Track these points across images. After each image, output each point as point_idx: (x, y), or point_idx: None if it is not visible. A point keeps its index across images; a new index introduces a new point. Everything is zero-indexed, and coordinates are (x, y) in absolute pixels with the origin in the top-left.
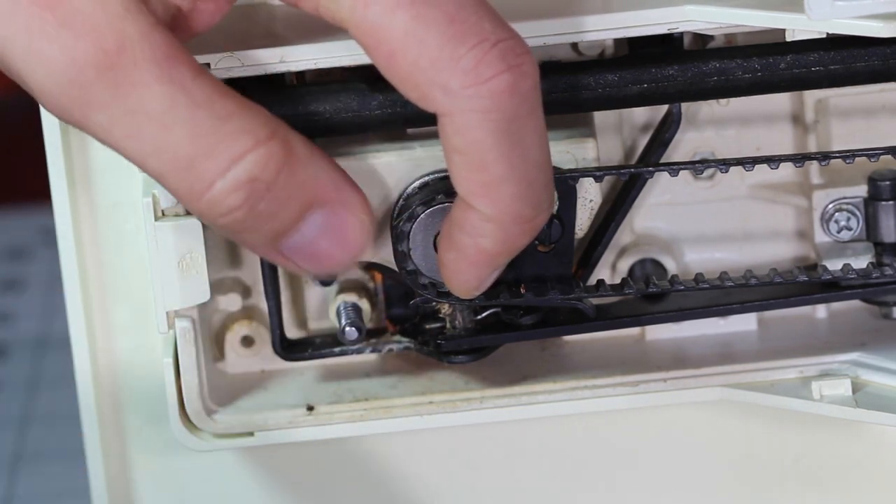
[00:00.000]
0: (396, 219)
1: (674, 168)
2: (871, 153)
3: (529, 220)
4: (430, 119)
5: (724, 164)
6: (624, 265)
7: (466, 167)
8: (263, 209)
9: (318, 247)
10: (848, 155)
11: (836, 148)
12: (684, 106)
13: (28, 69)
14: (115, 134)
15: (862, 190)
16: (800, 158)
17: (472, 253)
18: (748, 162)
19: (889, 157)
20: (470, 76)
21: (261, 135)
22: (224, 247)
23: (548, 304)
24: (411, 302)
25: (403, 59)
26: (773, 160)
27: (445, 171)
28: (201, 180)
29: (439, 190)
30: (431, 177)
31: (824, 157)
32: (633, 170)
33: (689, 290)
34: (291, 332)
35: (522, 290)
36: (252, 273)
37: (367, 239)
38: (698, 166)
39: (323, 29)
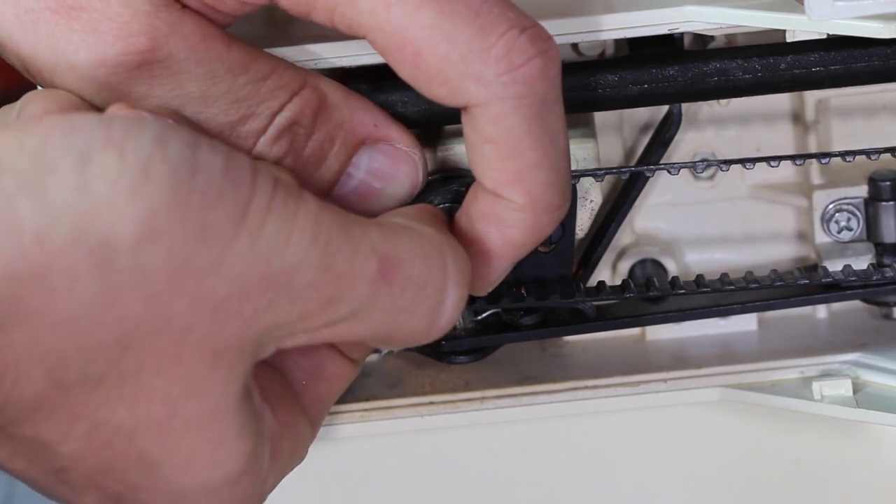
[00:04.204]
0: None
1: (674, 168)
2: (871, 153)
3: (557, 209)
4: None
5: (725, 164)
6: (624, 265)
7: (499, 156)
8: (309, 155)
9: (369, 187)
10: (848, 154)
11: (836, 148)
12: (685, 106)
13: (57, 74)
14: None
15: (862, 190)
16: (800, 158)
17: (498, 245)
18: (748, 161)
19: (889, 156)
20: (503, 64)
21: (294, 86)
22: None
23: (548, 305)
24: None
25: (432, 55)
26: (773, 160)
27: (440, 172)
28: (246, 140)
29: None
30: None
31: (824, 156)
32: (633, 169)
33: (690, 293)
34: None
35: (523, 292)
36: None
37: (417, 170)
38: (698, 166)
39: (323, 31)
